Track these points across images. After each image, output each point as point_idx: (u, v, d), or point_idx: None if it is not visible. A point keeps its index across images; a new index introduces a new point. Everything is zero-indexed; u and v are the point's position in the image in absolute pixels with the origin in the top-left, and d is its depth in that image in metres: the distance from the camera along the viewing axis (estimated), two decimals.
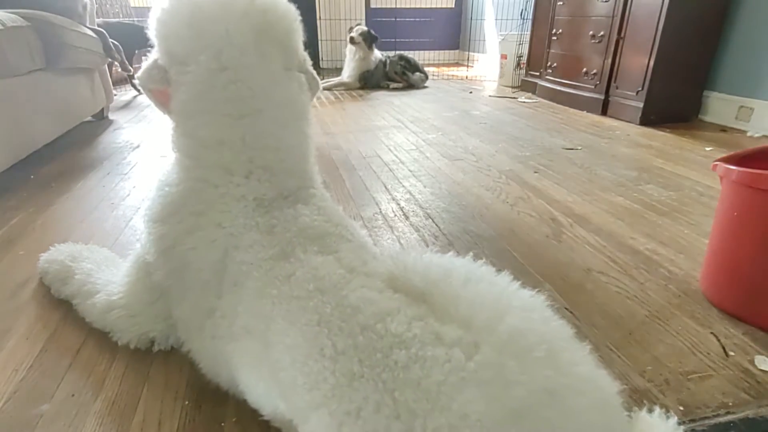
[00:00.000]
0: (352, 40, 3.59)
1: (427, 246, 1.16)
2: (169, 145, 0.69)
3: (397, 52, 3.81)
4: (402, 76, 3.69)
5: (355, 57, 3.61)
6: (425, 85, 3.76)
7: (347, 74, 3.69)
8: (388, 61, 3.72)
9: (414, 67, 3.74)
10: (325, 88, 3.54)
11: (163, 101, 0.68)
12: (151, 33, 0.65)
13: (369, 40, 3.61)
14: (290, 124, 0.68)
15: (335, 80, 3.67)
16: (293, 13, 0.69)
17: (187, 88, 0.64)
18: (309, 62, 0.73)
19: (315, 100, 3.22)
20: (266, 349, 0.52)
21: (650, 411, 0.59)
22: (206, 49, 0.62)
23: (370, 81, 3.66)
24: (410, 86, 3.68)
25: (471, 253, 1.09)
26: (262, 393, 0.57)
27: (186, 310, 0.68)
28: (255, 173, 0.65)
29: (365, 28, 3.64)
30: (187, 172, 0.67)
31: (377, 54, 3.70)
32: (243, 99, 0.63)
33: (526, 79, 3.46)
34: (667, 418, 0.57)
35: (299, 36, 0.70)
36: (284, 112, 0.67)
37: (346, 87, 3.66)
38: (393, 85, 3.69)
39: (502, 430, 0.36)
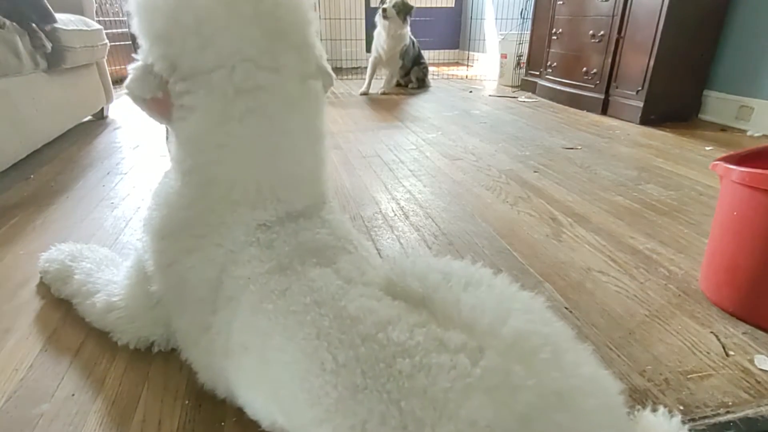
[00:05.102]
0: (385, 13, 3.19)
1: (428, 246, 1.16)
2: (171, 171, 0.63)
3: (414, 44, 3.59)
4: (422, 81, 3.60)
5: (390, 33, 3.25)
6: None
7: (384, 54, 3.30)
8: (416, 43, 3.49)
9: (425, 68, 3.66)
10: (382, 94, 3.28)
11: (161, 110, 0.59)
12: (139, 29, 0.55)
13: (403, 12, 3.22)
14: (308, 154, 0.63)
15: (384, 80, 3.31)
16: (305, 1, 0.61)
17: (198, 117, 0.56)
18: (324, 56, 0.65)
19: None
20: (263, 366, 0.51)
21: (654, 411, 0.59)
22: (219, 67, 0.53)
23: (408, 58, 3.40)
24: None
25: (471, 253, 1.11)
26: (260, 408, 0.56)
27: (183, 324, 0.67)
28: (262, 203, 0.61)
29: None
30: (192, 201, 0.62)
31: (408, 30, 3.36)
32: (261, 134, 0.57)
33: (526, 78, 3.46)
34: (671, 417, 0.57)
35: (315, 27, 0.62)
36: (302, 142, 0.62)
37: (391, 70, 3.34)
38: (411, 85, 3.60)
39: None
